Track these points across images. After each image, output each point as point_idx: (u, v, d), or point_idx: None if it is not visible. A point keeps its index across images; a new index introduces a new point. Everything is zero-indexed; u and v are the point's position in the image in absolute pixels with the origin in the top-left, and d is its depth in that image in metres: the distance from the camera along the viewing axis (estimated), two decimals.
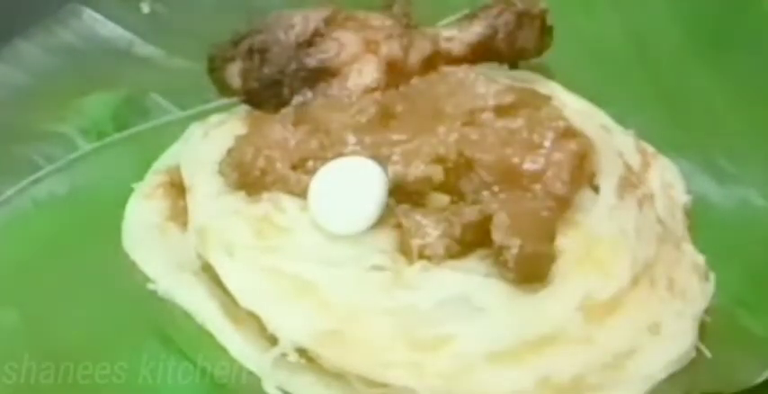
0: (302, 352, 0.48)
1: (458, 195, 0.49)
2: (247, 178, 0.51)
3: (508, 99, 0.52)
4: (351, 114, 0.51)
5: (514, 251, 0.46)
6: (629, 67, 0.62)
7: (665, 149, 0.57)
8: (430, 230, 0.48)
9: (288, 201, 0.50)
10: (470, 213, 0.48)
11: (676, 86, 0.61)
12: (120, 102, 0.62)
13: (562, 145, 0.50)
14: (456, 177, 0.49)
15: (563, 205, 0.49)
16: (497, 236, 0.47)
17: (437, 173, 0.49)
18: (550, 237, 0.48)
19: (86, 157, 0.59)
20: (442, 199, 0.49)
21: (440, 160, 0.49)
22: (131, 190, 0.56)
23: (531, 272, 0.47)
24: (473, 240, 0.48)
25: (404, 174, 0.49)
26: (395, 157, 0.50)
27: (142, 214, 0.55)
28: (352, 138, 0.51)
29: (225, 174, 0.51)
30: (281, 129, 0.51)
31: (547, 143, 0.50)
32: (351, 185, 0.49)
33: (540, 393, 0.46)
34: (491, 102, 0.51)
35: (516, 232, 0.47)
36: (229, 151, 0.52)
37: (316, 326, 0.47)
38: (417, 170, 0.49)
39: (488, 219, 0.47)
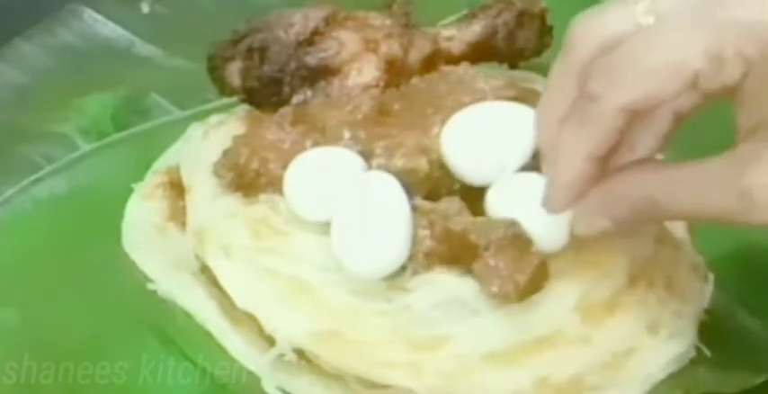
0: (300, 352, 0.48)
1: (446, 189, 0.49)
2: (242, 180, 0.51)
3: (507, 95, 0.52)
4: (347, 111, 0.51)
5: (509, 288, 0.45)
6: None
7: (664, 149, 0.57)
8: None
9: (284, 203, 0.49)
10: (457, 223, 0.47)
11: None
12: (120, 102, 0.62)
13: None
14: (444, 170, 0.49)
15: None
16: (491, 289, 0.46)
17: (421, 164, 0.49)
18: (528, 250, 0.46)
19: (86, 157, 0.60)
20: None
21: (424, 151, 0.49)
22: (131, 190, 0.56)
23: (533, 290, 0.46)
24: (455, 250, 0.47)
25: (386, 166, 0.49)
26: (378, 150, 0.49)
27: (142, 214, 0.55)
28: (347, 134, 0.50)
29: (220, 176, 0.51)
30: (276, 130, 0.51)
31: None
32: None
33: (539, 393, 0.46)
34: (490, 98, 0.51)
35: (501, 272, 0.46)
36: (225, 152, 0.52)
37: (313, 326, 0.47)
38: (400, 162, 0.49)
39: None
